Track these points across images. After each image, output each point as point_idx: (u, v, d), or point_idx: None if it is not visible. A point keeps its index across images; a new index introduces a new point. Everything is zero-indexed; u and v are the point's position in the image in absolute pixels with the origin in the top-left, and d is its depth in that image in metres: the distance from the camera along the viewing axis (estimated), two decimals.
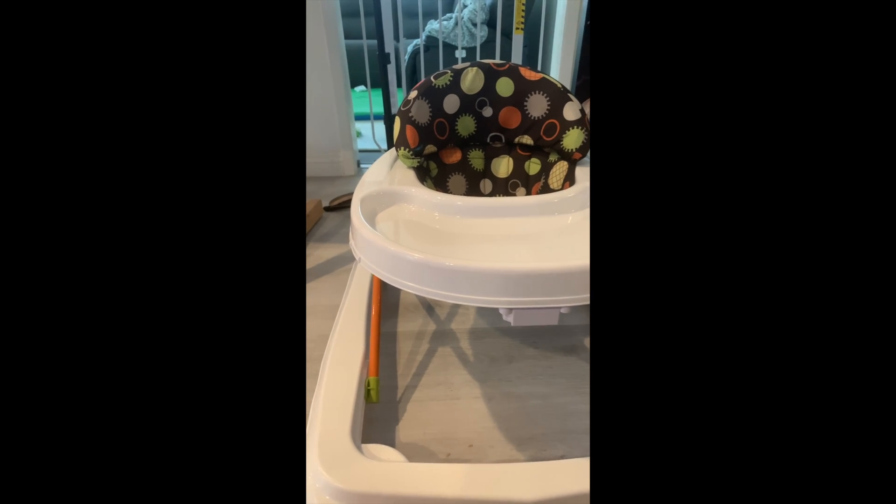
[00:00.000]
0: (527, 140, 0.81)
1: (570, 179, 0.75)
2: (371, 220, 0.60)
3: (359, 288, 0.86)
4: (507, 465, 0.51)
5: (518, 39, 1.38)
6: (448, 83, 0.76)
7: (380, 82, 1.38)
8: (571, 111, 0.74)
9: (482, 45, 1.64)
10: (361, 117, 1.81)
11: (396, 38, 1.39)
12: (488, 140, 0.84)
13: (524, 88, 0.78)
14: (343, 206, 1.38)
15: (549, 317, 0.48)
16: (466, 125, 0.81)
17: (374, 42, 1.35)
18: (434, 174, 0.81)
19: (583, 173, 0.71)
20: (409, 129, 0.72)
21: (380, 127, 1.76)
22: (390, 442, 0.64)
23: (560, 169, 0.78)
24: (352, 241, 0.59)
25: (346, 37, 1.53)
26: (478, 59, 1.63)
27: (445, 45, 1.79)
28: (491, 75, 0.78)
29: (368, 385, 0.65)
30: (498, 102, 0.80)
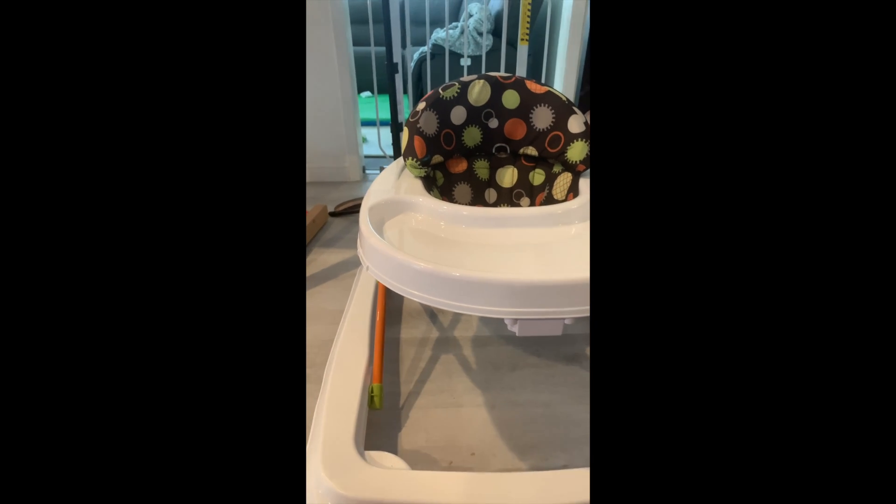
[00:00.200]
0: (531, 151, 0.82)
1: (573, 191, 0.76)
2: (379, 228, 0.61)
3: (363, 293, 0.87)
4: (509, 474, 0.52)
5: (523, 49, 1.40)
6: (455, 95, 0.77)
7: (387, 90, 1.39)
8: (576, 124, 0.75)
9: (487, 54, 1.66)
10: (367, 123, 1.82)
11: (403, 45, 1.41)
12: (493, 150, 0.85)
13: (530, 101, 0.79)
14: (348, 211, 1.39)
15: (553, 327, 0.49)
16: (472, 136, 0.82)
17: (382, 49, 1.36)
18: (440, 183, 0.82)
19: (587, 185, 0.72)
20: (417, 140, 0.73)
21: (385, 133, 1.77)
22: (393, 448, 0.64)
23: (564, 180, 0.79)
24: (360, 250, 0.60)
25: (354, 44, 1.55)
26: (482, 66, 1.65)
27: (451, 53, 1.81)
28: (497, 88, 0.79)
29: (372, 392, 0.66)
30: (504, 114, 0.81)
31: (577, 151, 0.75)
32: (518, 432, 0.67)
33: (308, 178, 1.65)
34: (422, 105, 0.75)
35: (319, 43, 1.44)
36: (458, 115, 0.79)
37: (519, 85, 0.79)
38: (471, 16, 1.97)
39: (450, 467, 0.62)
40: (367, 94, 2.70)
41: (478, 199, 0.85)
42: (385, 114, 1.55)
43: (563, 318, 0.48)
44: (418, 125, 0.74)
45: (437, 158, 0.78)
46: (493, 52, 1.75)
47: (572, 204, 0.65)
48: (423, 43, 2.18)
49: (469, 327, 0.89)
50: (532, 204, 0.84)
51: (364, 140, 1.82)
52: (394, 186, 0.71)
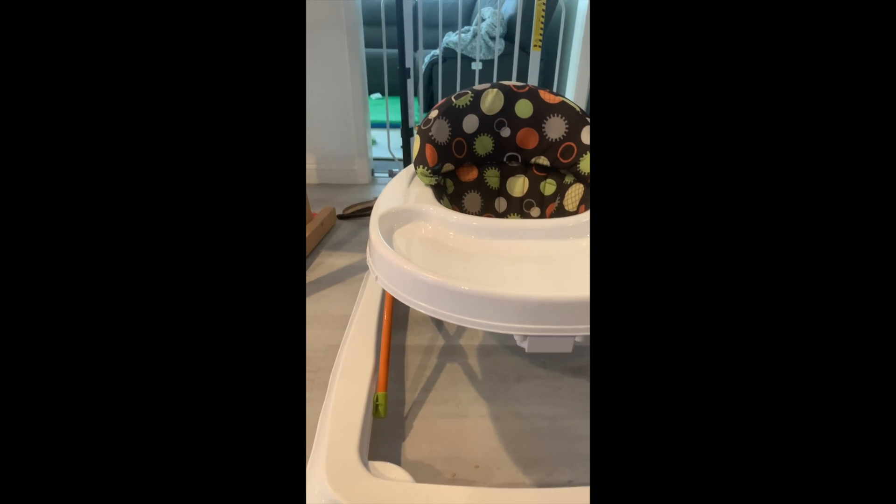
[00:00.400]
0: (543, 161, 0.81)
1: (585, 202, 0.75)
2: (388, 236, 0.61)
3: (370, 299, 0.87)
4: (513, 490, 0.51)
5: (535, 56, 1.39)
6: (468, 104, 0.77)
7: (399, 94, 1.39)
8: (589, 135, 0.75)
9: (499, 58, 1.65)
10: (376, 125, 1.82)
11: (415, 47, 1.41)
12: (505, 159, 0.84)
13: (543, 111, 0.78)
14: (357, 214, 1.40)
15: (564, 344, 0.49)
16: (484, 144, 0.82)
17: (393, 51, 1.36)
18: (450, 191, 0.81)
19: None
20: (429, 148, 0.73)
21: (395, 135, 1.77)
22: (396, 458, 0.64)
23: (576, 191, 0.78)
24: (369, 259, 0.60)
25: (365, 45, 1.55)
26: (494, 71, 1.64)
27: (463, 57, 1.81)
28: (511, 97, 0.79)
29: (377, 400, 0.65)
30: (516, 123, 0.80)
31: (590, 163, 0.74)
32: (523, 445, 0.67)
33: (317, 180, 1.66)
34: (434, 113, 0.75)
35: (331, 45, 1.44)
36: (470, 123, 0.78)
37: (532, 94, 0.78)
38: (483, 20, 1.97)
39: (453, 479, 0.62)
40: (377, 95, 2.71)
41: (488, 208, 0.85)
42: (395, 116, 1.55)
43: (574, 336, 0.48)
44: (430, 133, 0.73)
45: (448, 167, 0.78)
46: (505, 57, 1.75)
47: (584, 217, 0.64)
48: (434, 46, 2.18)
49: (475, 336, 0.89)
50: (542, 214, 0.84)
51: (373, 142, 1.82)
52: (404, 194, 0.71)
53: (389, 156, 1.78)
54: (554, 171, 0.82)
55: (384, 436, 0.67)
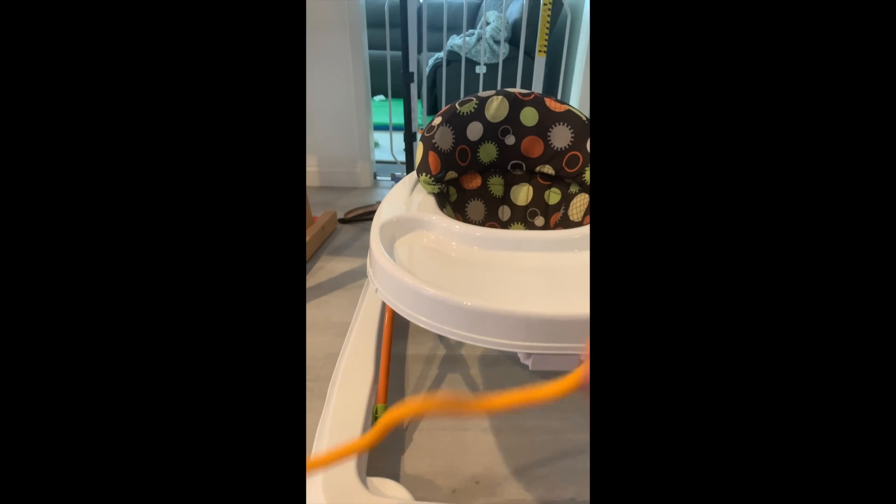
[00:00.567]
0: (548, 170, 0.80)
1: (590, 213, 0.74)
2: (390, 246, 0.59)
3: (371, 307, 0.85)
4: None
5: (540, 61, 1.38)
6: (472, 111, 0.76)
7: (401, 95, 1.38)
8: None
9: (504, 62, 1.64)
10: (379, 127, 1.82)
11: (420, 50, 1.40)
12: (509, 167, 0.83)
13: (548, 119, 0.77)
14: (358, 218, 1.38)
15: (568, 362, 0.47)
16: (488, 152, 0.80)
17: (397, 53, 1.36)
18: (453, 199, 0.80)
19: None
20: (432, 156, 0.72)
21: (398, 138, 1.77)
22: (394, 472, 0.63)
23: (581, 201, 0.77)
24: (369, 269, 0.59)
25: (369, 47, 1.54)
26: (498, 75, 1.63)
27: (467, 60, 1.80)
28: (516, 104, 0.77)
29: (376, 412, 0.64)
30: (521, 131, 0.79)
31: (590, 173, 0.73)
32: (524, 460, 0.65)
33: (319, 183, 1.65)
34: (438, 120, 0.74)
35: (335, 46, 1.43)
36: (474, 130, 0.77)
37: (538, 102, 0.77)
38: (488, 23, 1.96)
39: (453, 496, 0.60)
40: (380, 97, 2.71)
41: (491, 217, 0.84)
42: (398, 118, 1.54)
43: (580, 354, 0.46)
44: (433, 140, 0.72)
45: (451, 174, 0.76)
46: (510, 61, 1.74)
47: (589, 229, 0.63)
48: (439, 48, 2.18)
49: (477, 346, 0.87)
50: (547, 223, 0.83)
51: (376, 145, 1.82)
52: (406, 202, 0.70)
53: (392, 159, 1.77)
54: (559, 180, 0.81)
55: (383, 448, 0.66)
